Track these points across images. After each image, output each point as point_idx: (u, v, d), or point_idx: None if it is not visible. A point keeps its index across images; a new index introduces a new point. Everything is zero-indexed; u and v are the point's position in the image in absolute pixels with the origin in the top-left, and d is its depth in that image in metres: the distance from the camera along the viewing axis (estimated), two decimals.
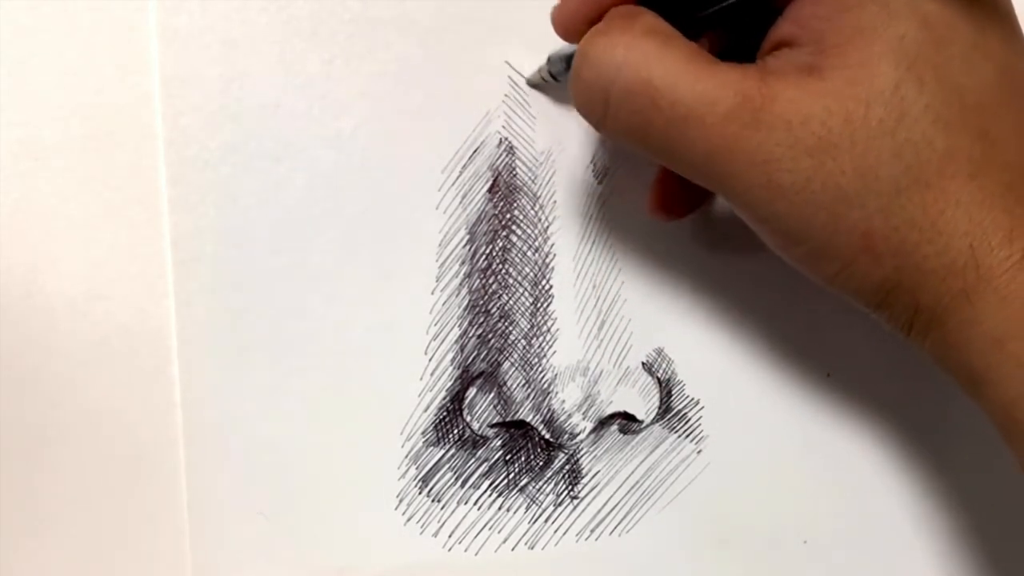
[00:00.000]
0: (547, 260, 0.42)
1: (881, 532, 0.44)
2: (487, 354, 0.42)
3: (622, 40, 0.33)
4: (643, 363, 0.43)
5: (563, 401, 0.42)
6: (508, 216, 0.42)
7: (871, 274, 0.33)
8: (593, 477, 0.43)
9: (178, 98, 0.40)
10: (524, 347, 0.42)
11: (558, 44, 0.38)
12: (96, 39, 0.40)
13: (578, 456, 0.43)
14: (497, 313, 0.42)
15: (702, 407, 0.43)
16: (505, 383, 0.42)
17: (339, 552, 0.41)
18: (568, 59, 0.38)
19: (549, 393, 0.42)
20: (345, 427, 0.41)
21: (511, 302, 0.42)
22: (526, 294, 0.42)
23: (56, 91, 0.39)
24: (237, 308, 0.41)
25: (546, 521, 0.43)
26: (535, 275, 0.42)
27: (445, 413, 0.42)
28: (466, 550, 0.42)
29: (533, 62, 0.41)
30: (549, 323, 0.42)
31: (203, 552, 0.41)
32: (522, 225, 0.42)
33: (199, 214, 0.40)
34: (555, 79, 0.41)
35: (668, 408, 0.43)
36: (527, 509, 0.42)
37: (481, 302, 0.42)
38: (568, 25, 0.36)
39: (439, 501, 0.42)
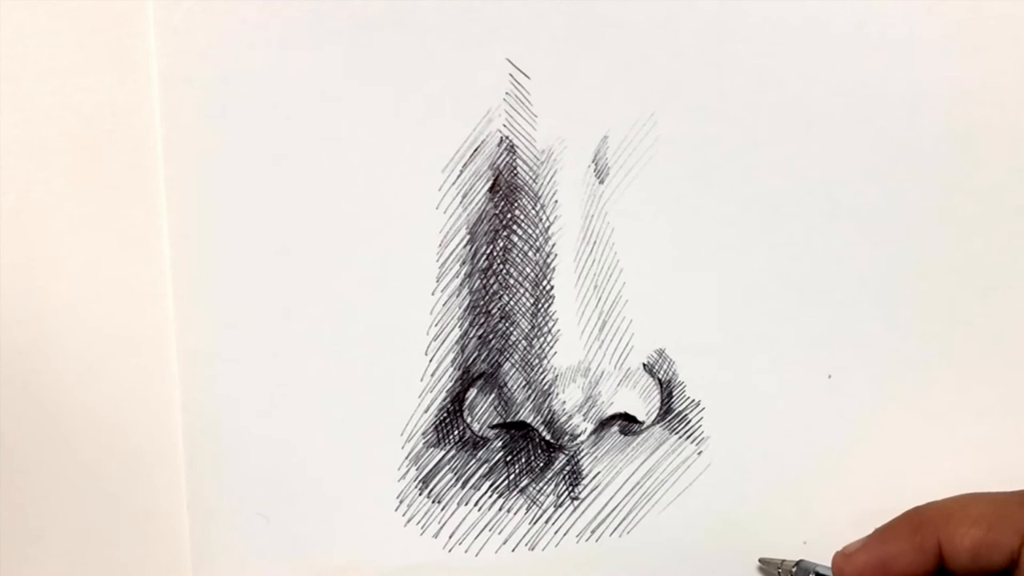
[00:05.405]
0: (548, 260, 0.42)
1: None
2: (488, 355, 0.42)
3: None
4: (644, 364, 0.43)
5: (564, 402, 0.42)
6: (509, 216, 0.42)
7: None
8: (594, 478, 0.43)
9: (177, 97, 0.40)
10: (525, 348, 0.42)
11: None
12: (95, 39, 0.39)
13: (579, 457, 0.43)
14: (498, 314, 0.42)
15: (703, 408, 0.43)
16: (506, 384, 0.42)
17: (339, 552, 0.42)
18: None
19: (550, 394, 0.42)
20: (345, 428, 0.41)
21: (512, 303, 0.42)
22: (527, 294, 0.42)
23: (55, 91, 0.39)
24: (237, 308, 0.41)
25: (547, 522, 0.43)
26: (536, 275, 0.42)
27: (445, 414, 0.42)
28: (466, 551, 0.42)
29: (538, 70, 0.41)
30: (550, 324, 0.42)
31: (203, 552, 0.41)
32: (523, 225, 0.42)
33: (199, 214, 0.40)
34: None
35: (669, 409, 0.43)
36: (527, 510, 0.42)
37: (482, 302, 0.42)
38: None
39: (439, 502, 0.42)
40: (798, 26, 0.43)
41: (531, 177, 0.42)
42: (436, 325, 0.42)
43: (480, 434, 0.42)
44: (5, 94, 0.39)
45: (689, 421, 0.43)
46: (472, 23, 0.41)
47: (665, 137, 0.42)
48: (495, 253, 0.42)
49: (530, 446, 0.42)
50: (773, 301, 0.43)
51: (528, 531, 0.42)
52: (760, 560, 0.43)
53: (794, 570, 0.41)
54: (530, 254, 0.42)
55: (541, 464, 0.42)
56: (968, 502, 0.37)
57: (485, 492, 0.42)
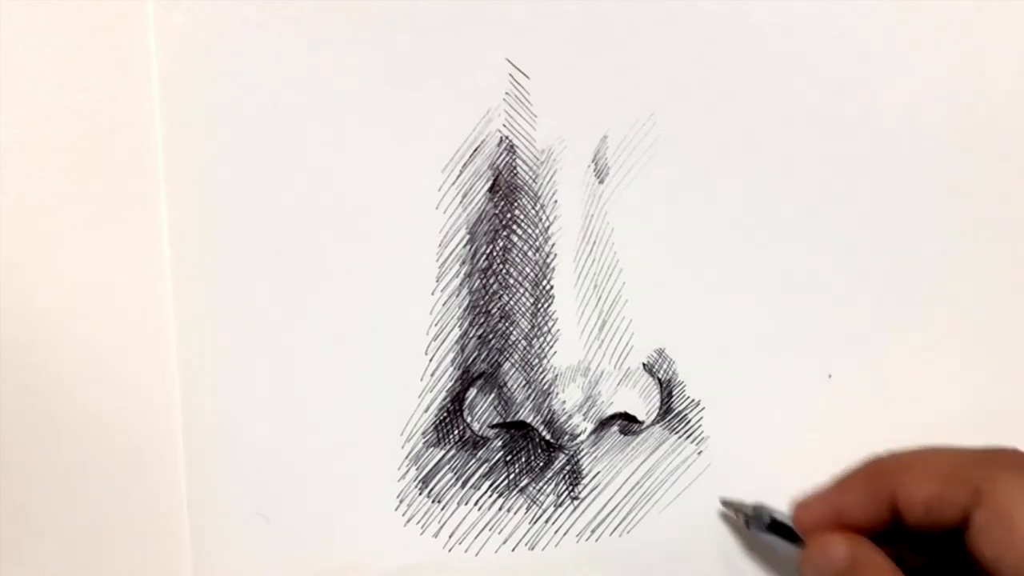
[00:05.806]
0: (548, 260, 0.42)
1: None
2: (487, 355, 0.42)
3: None
4: (644, 364, 0.43)
5: (564, 402, 0.42)
6: (509, 216, 0.42)
7: None
8: (594, 478, 0.43)
9: (177, 98, 0.40)
10: (525, 348, 0.42)
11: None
12: (95, 39, 0.39)
13: (578, 457, 0.43)
14: (498, 313, 0.42)
15: (703, 408, 0.43)
16: (505, 384, 0.42)
17: (339, 552, 0.42)
18: (774, 524, 0.41)
19: (550, 394, 0.42)
20: (345, 427, 0.41)
21: (512, 302, 0.42)
22: (527, 294, 0.42)
23: (55, 91, 0.39)
24: (237, 308, 0.41)
25: (546, 522, 0.43)
26: (536, 275, 0.42)
27: (445, 414, 0.42)
28: (466, 551, 0.42)
29: (538, 70, 0.41)
30: (550, 323, 0.42)
31: (203, 552, 0.41)
32: (523, 225, 0.42)
33: (199, 214, 0.40)
34: (747, 526, 0.42)
35: (669, 409, 0.43)
36: (527, 510, 0.42)
37: (481, 302, 0.42)
38: (807, 526, 0.39)
39: (439, 502, 0.42)
40: (798, 26, 0.43)
41: (531, 177, 0.42)
42: (436, 325, 0.42)
43: (480, 434, 0.42)
44: (5, 94, 0.39)
45: (689, 421, 0.43)
46: (472, 23, 0.41)
47: (665, 137, 0.42)
48: (495, 253, 0.42)
49: (530, 446, 0.42)
50: (772, 301, 0.43)
51: (528, 531, 0.43)
52: (721, 501, 0.43)
53: (752, 513, 0.41)
54: (530, 254, 0.42)
55: (541, 464, 0.42)
56: (927, 456, 0.37)
57: (485, 492, 0.42)
